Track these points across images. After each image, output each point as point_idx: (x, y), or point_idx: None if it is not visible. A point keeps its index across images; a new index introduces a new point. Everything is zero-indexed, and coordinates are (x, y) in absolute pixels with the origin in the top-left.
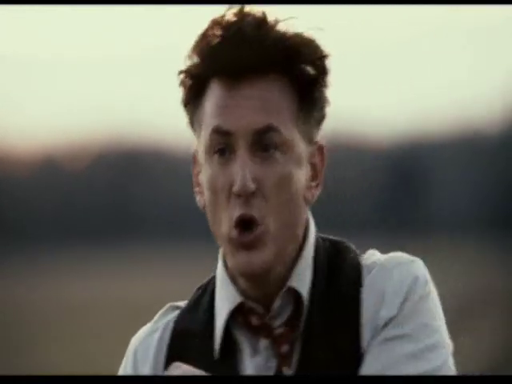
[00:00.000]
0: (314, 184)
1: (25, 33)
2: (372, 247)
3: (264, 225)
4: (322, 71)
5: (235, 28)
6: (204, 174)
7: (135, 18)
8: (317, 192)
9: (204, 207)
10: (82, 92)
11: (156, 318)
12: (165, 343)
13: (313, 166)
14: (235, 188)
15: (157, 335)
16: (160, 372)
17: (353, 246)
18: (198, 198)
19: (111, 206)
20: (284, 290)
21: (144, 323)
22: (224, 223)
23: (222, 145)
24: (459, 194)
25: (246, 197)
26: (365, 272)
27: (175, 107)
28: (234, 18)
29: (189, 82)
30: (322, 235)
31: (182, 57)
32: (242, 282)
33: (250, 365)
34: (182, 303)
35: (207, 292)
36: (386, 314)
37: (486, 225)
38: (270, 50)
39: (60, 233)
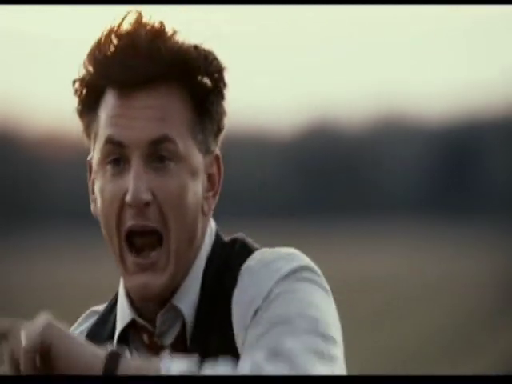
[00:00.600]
0: (210, 194)
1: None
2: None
3: (166, 242)
4: (219, 84)
5: (129, 37)
6: (97, 183)
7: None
8: (213, 202)
9: (96, 215)
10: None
11: (79, 321)
12: None
13: (210, 177)
14: (128, 198)
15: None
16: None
17: (248, 248)
18: (92, 205)
19: None
20: (165, 308)
21: None
22: (115, 241)
23: (116, 155)
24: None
25: (140, 207)
26: (242, 276)
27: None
28: (130, 28)
29: (83, 91)
30: (223, 239)
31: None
32: (135, 299)
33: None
34: (102, 308)
35: (114, 303)
36: (252, 311)
37: None
38: (165, 60)
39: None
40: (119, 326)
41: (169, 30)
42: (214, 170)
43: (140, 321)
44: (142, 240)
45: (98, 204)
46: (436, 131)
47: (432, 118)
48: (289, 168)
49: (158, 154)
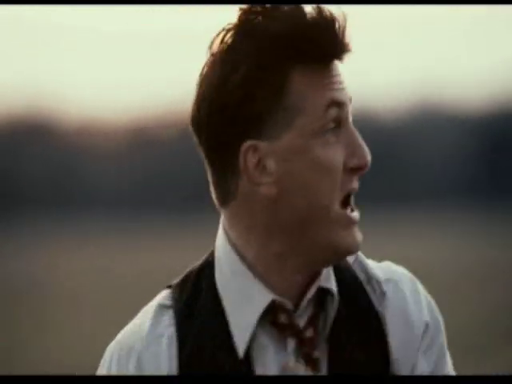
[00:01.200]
0: None
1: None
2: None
3: None
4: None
5: (329, 14)
6: (299, 158)
7: None
8: None
9: (276, 198)
10: (169, 64)
11: (150, 319)
12: (174, 353)
13: None
14: (355, 161)
15: (165, 342)
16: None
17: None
18: (264, 189)
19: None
20: (315, 288)
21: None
22: (335, 202)
23: (335, 123)
24: None
25: (365, 170)
26: (380, 285)
27: None
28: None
29: (266, 74)
30: None
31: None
32: (279, 276)
33: (277, 364)
34: (168, 301)
35: (204, 288)
36: (419, 336)
37: None
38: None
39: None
40: (253, 309)
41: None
42: None
43: (280, 300)
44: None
45: (302, 177)
46: (473, 119)
47: (470, 107)
48: None
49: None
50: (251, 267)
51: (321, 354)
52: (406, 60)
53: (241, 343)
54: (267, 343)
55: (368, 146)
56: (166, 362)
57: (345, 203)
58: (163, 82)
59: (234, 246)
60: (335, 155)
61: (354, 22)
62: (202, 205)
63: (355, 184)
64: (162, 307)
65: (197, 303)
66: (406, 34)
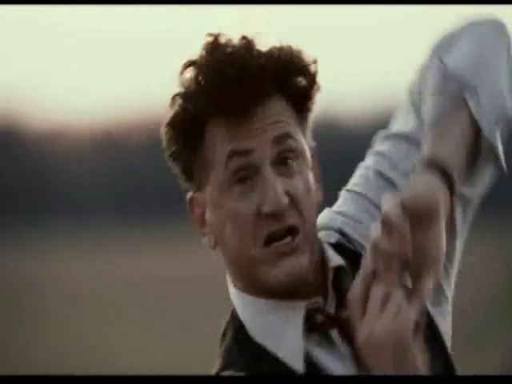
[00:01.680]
0: (318, 186)
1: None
2: None
3: (303, 232)
4: (314, 79)
5: (237, 59)
6: (219, 209)
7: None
8: (320, 194)
9: (215, 246)
10: (140, 68)
11: None
12: None
13: (314, 170)
14: (267, 207)
15: None
16: None
17: None
18: (206, 239)
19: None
20: (331, 275)
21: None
22: (250, 246)
23: (242, 172)
24: None
25: (280, 213)
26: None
27: None
28: (222, 52)
29: (183, 126)
30: None
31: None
32: (284, 292)
33: (333, 360)
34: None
35: (236, 346)
36: None
37: None
38: (267, 72)
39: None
40: (294, 329)
41: (255, 45)
42: (315, 163)
43: (312, 303)
44: (280, 237)
45: (217, 232)
46: None
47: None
48: None
49: (283, 157)
50: (271, 297)
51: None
52: (367, 68)
53: (297, 363)
54: (317, 350)
55: (332, 152)
56: None
57: (268, 242)
58: (135, 85)
59: (249, 293)
60: (244, 205)
61: (320, 24)
62: (170, 209)
63: (274, 227)
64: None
65: (254, 362)
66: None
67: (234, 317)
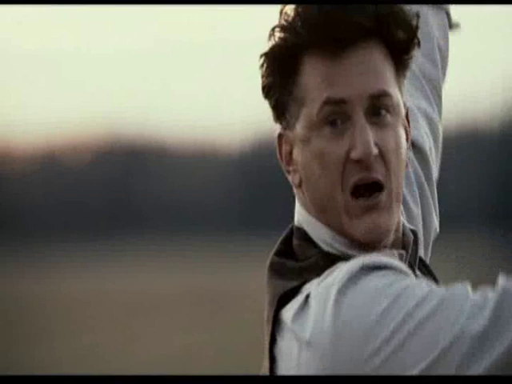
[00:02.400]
0: (408, 145)
1: (23, 28)
2: None
3: (387, 189)
4: (416, 32)
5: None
6: (307, 148)
7: (130, 14)
8: (409, 154)
9: (299, 185)
10: (84, 88)
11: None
12: None
13: (406, 129)
14: (356, 153)
15: None
16: None
17: None
18: (290, 176)
19: (111, 201)
20: (412, 237)
21: (144, 319)
22: (338, 193)
23: (334, 116)
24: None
25: (368, 162)
26: None
27: (176, 103)
28: None
29: (279, 57)
30: None
31: (183, 53)
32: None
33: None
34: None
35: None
36: None
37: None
38: (369, 13)
39: (61, 228)
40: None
41: None
42: (406, 121)
43: (399, 252)
44: (366, 189)
45: (304, 170)
46: None
47: None
48: (235, 181)
49: (377, 108)
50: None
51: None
52: None
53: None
54: None
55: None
56: None
57: (355, 193)
58: (76, 106)
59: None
60: (333, 148)
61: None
62: (120, 230)
63: (361, 175)
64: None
65: None
66: None
67: (307, 240)
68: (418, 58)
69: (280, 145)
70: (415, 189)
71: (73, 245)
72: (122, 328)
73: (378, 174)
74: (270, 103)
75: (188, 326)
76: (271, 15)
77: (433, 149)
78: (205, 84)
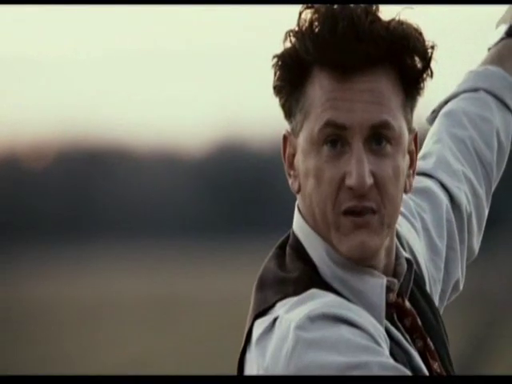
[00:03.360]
0: (411, 171)
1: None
2: None
3: (379, 215)
4: (429, 63)
5: (349, 20)
6: (306, 161)
7: (103, 17)
8: (413, 180)
9: (298, 191)
10: (48, 90)
11: (337, 302)
12: (369, 317)
13: (410, 154)
14: (351, 182)
15: (353, 307)
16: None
17: None
18: (291, 181)
19: (72, 204)
20: (405, 265)
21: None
22: (329, 211)
23: (334, 136)
24: None
25: (362, 191)
26: None
27: (140, 106)
28: (341, 9)
29: (290, 63)
30: None
31: (151, 55)
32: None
33: (403, 343)
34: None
35: (300, 277)
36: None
37: None
38: (387, 44)
39: (17, 231)
40: (378, 291)
41: (380, 15)
42: (413, 146)
43: (390, 281)
44: (358, 213)
45: (299, 179)
46: None
47: None
48: (200, 185)
49: (377, 138)
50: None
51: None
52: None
53: (380, 319)
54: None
55: (240, 173)
56: (372, 324)
57: (346, 213)
58: (37, 108)
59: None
60: (329, 169)
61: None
62: (78, 233)
63: (352, 203)
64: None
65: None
66: None
67: (298, 250)
68: (474, 137)
69: (285, 146)
70: (444, 233)
71: (41, 247)
72: (121, 328)
73: (372, 203)
74: (280, 102)
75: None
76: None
77: (474, 220)
78: (167, 87)
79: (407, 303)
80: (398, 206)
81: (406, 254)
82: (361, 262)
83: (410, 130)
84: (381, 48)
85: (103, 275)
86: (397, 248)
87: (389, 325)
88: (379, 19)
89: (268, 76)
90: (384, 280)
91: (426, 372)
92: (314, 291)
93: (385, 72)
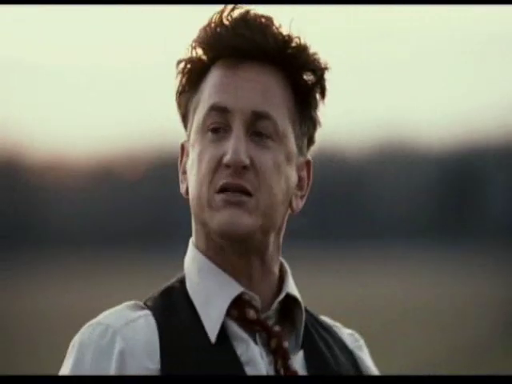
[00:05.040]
0: (300, 194)
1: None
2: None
3: (255, 197)
4: (321, 82)
5: (241, 17)
6: (193, 154)
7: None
8: (302, 203)
9: (186, 193)
10: (138, 102)
11: (123, 309)
12: (153, 334)
13: (300, 178)
14: (227, 158)
15: (141, 324)
16: (155, 361)
17: None
18: (181, 186)
19: (161, 215)
20: (283, 295)
21: None
22: (204, 190)
23: (217, 124)
24: None
25: (237, 168)
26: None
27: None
28: (240, 11)
29: (190, 67)
30: None
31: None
32: (219, 242)
33: (255, 355)
34: (142, 304)
35: (175, 290)
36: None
37: None
38: (276, 41)
39: (112, 240)
40: (222, 300)
41: (276, 23)
42: (305, 173)
43: (250, 295)
44: (233, 190)
45: (188, 181)
46: (436, 159)
47: (432, 146)
48: None
49: (258, 129)
50: (220, 265)
51: (290, 347)
52: (369, 100)
53: (212, 331)
54: (240, 334)
55: (334, 184)
56: (144, 335)
57: (220, 190)
58: (132, 119)
59: (201, 251)
60: (210, 153)
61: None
62: (164, 243)
63: (229, 179)
64: (136, 305)
65: (170, 308)
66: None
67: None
68: None
69: (181, 155)
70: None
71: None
72: None
73: (247, 183)
74: (180, 112)
75: None
76: None
77: None
78: None
79: (276, 327)
80: (276, 201)
81: (294, 293)
82: (231, 249)
83: (300, 149)
84: (268, 40)
85: (101, 283)
86: (284, 281)
87: (239, 334)
88: (274, 23)
89: None
90: (230, 297)
91: None
92: (129, 303)
93: (274, 73)
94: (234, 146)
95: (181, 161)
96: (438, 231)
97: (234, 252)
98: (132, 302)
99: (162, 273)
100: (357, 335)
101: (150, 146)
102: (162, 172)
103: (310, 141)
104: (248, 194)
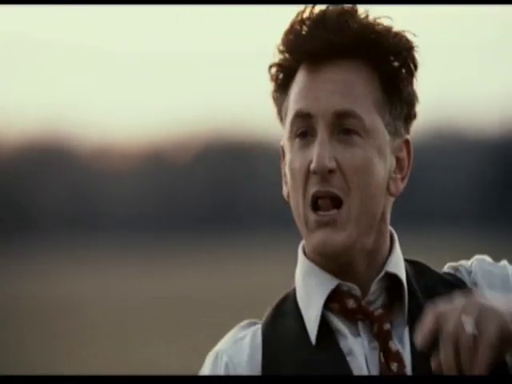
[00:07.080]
0: (399, 176)
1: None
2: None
3: (346, 205)
4: (408, 63)
5: (319, 14)
6: (286, 161)
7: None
8: (402, 185)
9: (287, 196)
10: (190, 88)
11: (235, 330)
12: (257, 347)
13: (398, 160)
14: (312, 165)
15: (247, 340)
16: (257, 372)
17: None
18: (283, 188)
19: (214, 200)
20: (381, 275)
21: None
22: (301, 205)
23: (304, 128)
24: None
25: (323, 175)
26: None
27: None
28: (319, 10)
29: (279, 75)
30: None
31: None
32: (316, 260)
33: (354, 346)
34: (258, 320)
35: (288, 299)
36: None
37: None
38: (353, 34)
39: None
40: (320, 296)
41: (360, 10)
42: (404, 154)
43: (347, 285)
44: (323, 202)
45: (287, 181)
46: (487, 143)
47: (484, 131)
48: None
49: (344, 127)
50: (317, 263)
51: (394, 329)
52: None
53: (312, 331)
54: (340, 328)
55: None
56: (246, 355)
57: (314, 207)
58: (181, 106)
59: (306, 255)
60: (299, 160)
61: None
62: (217, 228)
63: (318, 187)
64: (249, 323)
65: (279, 318)
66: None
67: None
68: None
69: (283, 156)
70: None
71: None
72: (120, 329)
73: (335, 189)
74: (278, 118)
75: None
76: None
77: None
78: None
79: (378, 311)
80: (369, 199)
81: (398, 271)
82: (324, 260)
83: (395, 133)
84: (345, 37)
85: (103, 275)
86: (386, 261)
87: (340, 328)
88: (352, 15)
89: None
90: (326, 292)
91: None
92: (242, 323)
93: (355, 65)
94: (318, 152)
95: (283, 161)
96: (488, 219)
97: (336, 260)
98: (245, 322)
99: (216, 258)
100: (470, 266)
101: (200, 132)
102: (212, 157)
103: (408, 119)
104: (338, 201)
